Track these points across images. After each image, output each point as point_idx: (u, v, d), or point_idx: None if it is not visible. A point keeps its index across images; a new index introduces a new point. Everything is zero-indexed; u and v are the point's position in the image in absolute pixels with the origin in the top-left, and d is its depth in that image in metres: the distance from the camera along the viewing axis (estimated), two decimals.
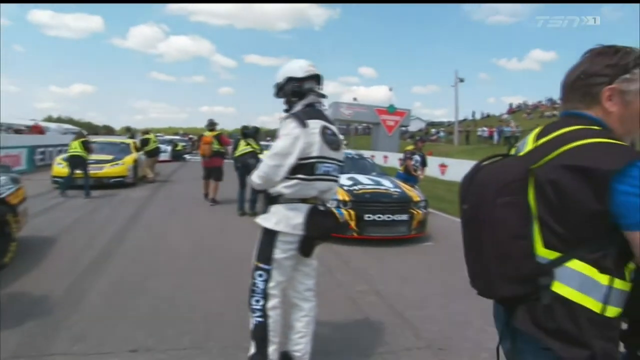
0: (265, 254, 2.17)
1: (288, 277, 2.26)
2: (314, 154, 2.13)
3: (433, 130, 39.05)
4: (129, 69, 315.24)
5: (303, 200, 2.16)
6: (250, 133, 7.98)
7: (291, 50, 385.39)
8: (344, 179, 6.34)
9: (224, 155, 8.79)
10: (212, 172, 8.68)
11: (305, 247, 2.18)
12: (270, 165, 2.12)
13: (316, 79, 2.30)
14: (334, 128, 2.29)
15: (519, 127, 27.82)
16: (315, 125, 2.15)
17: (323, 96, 2.34)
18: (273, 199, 2.19)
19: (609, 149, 0.93)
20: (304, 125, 2.10)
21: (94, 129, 62.01)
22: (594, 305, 0.94)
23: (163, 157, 16.31)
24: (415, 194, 6.13)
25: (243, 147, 7.71)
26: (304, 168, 2.12)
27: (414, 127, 48.70)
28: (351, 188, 5.92)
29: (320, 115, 2.25)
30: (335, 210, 2.39)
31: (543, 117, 35.75)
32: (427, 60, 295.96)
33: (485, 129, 31.02)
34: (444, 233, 6.71)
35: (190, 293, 3.65)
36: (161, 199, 9.35)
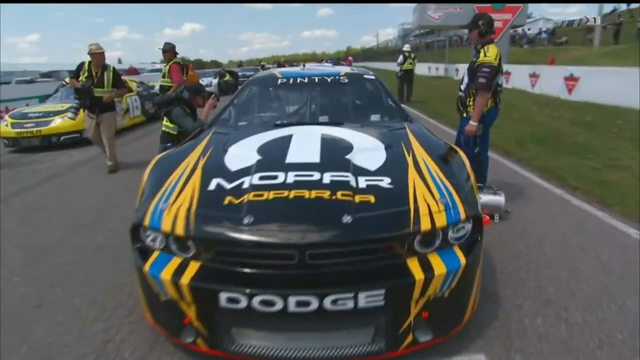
0: None
1: None
2: None
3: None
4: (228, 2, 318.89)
5: None
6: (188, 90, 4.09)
7: None
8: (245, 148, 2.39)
9: None
10: None
11: None
12: None
13: None
14: None
15: None
16: None
17: None
18: None
19: None
20: None
21: (202, 65, 63.00)
22: None
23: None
24: (436, 197, 1.76)
25: None
26: None
27: (535, 29, 38.18)
28: (232, 185, 1.90)
29: None
30: None
31: None
32: None
33: None
34: (546, 277, 2.41)
35: None
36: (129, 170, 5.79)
